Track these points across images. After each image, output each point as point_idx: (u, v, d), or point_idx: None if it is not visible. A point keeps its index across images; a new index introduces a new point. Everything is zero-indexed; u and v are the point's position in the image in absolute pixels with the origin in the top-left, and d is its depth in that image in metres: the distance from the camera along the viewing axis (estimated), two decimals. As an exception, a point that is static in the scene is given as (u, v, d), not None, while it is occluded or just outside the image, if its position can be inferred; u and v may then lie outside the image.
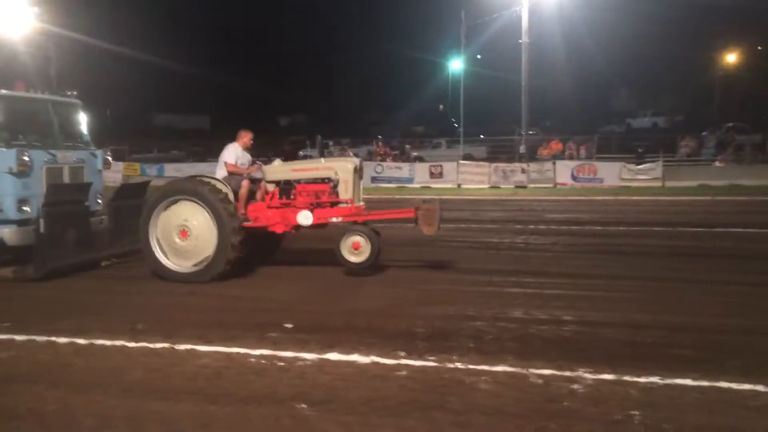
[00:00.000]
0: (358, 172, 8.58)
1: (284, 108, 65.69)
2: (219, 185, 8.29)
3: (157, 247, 8.22)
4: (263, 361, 5.05)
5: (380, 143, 34.89)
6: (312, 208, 8.39)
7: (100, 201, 9.71)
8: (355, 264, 7.85)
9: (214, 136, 43.90)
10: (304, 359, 5.10)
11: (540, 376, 4.71)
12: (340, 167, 8.49)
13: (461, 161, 27.00)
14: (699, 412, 4.09)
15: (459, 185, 25.20)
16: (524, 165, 24.00)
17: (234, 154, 8.74)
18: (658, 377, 4.62)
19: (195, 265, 8.05)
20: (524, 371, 4.79)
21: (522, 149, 27.76)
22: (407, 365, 4.94)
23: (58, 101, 9.40)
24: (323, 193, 8.44)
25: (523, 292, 7.33)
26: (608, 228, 12.86)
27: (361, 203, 8.60)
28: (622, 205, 17.86)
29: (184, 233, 8.12)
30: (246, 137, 8.94)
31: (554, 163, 24.13)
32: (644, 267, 8.80)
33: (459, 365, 4.93)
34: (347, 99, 61.64)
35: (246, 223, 8.29)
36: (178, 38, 53.75)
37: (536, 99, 52.44)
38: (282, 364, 5.01)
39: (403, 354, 5.17)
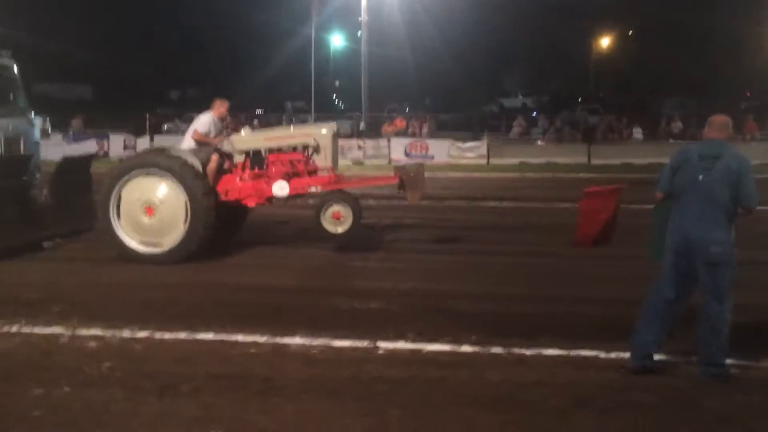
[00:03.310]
0: (336, 137, 8.39)
1: (176, 81, 63.79)
2: (189, 158, 7.81)
3: (120, 228, 7.71)
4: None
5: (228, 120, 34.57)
6: (288, 177, 8.02)
7: (38, 175, 9.04)
8: (338, 234, 7.73)
9: (96, 106, 42.12)
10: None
11: (136, 340, 5.31)
12: (317, 133, 8.20)
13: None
14: (177, 362, 4.78)
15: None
16: (360, 142, 24.67)
17: (206, 123, 8.31)
18: (214, 333, 5.40)
19: (165, 244, 7.63)
20: (146, 335, 5.37)
21: (362, 126, 28.49)
22: (54, 335, 5.37)
23: None
24: (299, 161, 8.14)
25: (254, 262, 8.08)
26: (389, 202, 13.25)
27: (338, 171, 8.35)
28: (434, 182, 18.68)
29: (150, 210, 7.64)
30: (222, 107, 8.51)
31: (389, 140, 24.96)
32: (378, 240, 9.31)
33: (97, 332, 5.39)
34: (234, 73, 60.27)
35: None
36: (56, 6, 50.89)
37: (417, 77, 53.91)
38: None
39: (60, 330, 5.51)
